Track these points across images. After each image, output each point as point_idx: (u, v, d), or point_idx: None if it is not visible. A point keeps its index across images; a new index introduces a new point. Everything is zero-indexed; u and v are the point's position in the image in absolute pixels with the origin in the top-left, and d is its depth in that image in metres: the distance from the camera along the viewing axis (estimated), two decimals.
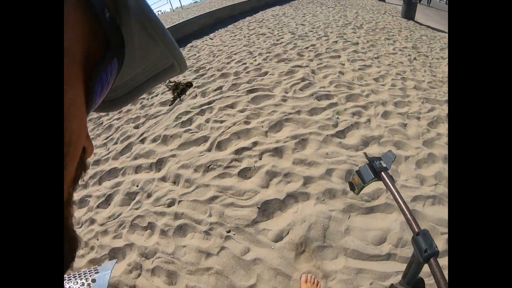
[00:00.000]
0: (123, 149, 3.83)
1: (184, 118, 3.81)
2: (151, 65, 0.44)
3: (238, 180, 2.69)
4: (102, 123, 5.13)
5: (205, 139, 3.32)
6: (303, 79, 4.29)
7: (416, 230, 0.72)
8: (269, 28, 8.69)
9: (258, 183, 2.60)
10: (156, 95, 5.02)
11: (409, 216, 0.77)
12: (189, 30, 10.30)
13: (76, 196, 3.68)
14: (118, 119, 4.84)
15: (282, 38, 7.15)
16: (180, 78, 5.41)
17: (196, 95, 4.40)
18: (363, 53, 5.68)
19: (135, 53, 0.38)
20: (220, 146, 3.17)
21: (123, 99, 0.45)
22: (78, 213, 3.38)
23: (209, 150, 3.16)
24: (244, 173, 2.74)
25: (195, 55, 7.23)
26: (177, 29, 9.95)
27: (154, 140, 3.63)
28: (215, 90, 4.39)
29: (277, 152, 2.88)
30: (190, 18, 11.02)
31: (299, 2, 15.30)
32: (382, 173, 0.90)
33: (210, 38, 9.05)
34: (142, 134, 3.90)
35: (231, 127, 3.34)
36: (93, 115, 6.00)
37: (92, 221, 3.12)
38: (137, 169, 3.35)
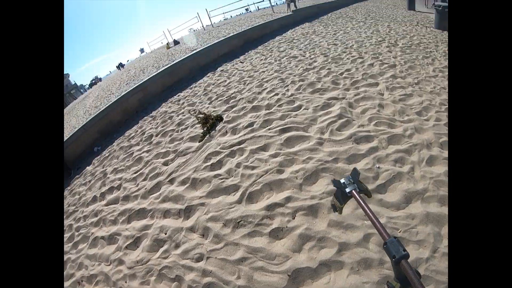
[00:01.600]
0: (152, 187, 3.90)
1: (214, 159, 3.84)
2: None
3: (269, 241, 2.64)
4: (132, 153, 5.26)
5: (235, 188, 3.33)
6: (340, 116, 4.11)
7: (386, 239, 0.84)
8: (300, 50, 8.65)
9: (290, 247, 2.54)
10: (186, 128, 5.11)
11: (378, 226, 0.90)
12: (220, 52, 10.51)
13: (106, 231, 3.76)
14: (148, 151, 4.96)
15: (314, 61, 7.06)
16: (210, 109, 5.47)
17: (226, 132, 4.44)
18: (402, 78, 5.39)
19: None
20: (251, 197, 3.15)
21: None
22: (108, 250, 3.49)
23: (239, 202, 3.14)
24: (276, 233, 2.70)
25: (225, 81, 7.35)
26: (208, 52, 10.19)
27: (183, 183, 3.68)
28: (246, 127, 4.40)
29: (312, 211, 2.80)
30: (220, 40, 11.28)
31: (328, 18, 15.23)
32: (353, 191, 1.08)
33: (241, 62, 9.18)
34: (171, 173, 3.96)
35: (263, 176, 3.31)
36: (124, 142, 6.19)
37: (120, 261, 3.22)
38: (166, 213, 3.40)
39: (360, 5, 22.99)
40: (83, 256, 3.72)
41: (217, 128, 4.66)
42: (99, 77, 71.10)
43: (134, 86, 8.32)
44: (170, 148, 4.66)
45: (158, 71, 9.01)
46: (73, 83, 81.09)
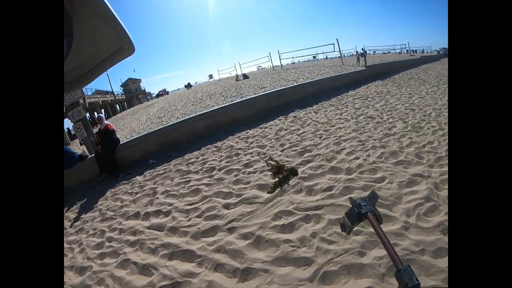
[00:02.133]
0: (206, 230, 3.48)
1: (285, 220, 3.34)
2: (103, 48, 0.63)
3: None
4: (189, 181, 4.93)
5: (308, 262, 2.76)
6: (427, 199, 3.50)
7: (399, 267, 0.80)
8: (377, 110, 8.19)
9: None
10: (254, 172, 4.69)
11: (392, 253, 0.86)
12: (292, 97, 10.30)
13: (141, 259, 3.35)
14: (208, 185, 4.59)
15: (394, 126, 6.52)
16: (282, 158, 5.04)
17: (301, 190, 3.94)
18: None
19: (85, 35, 0.53)
20: (325, 278, 2.58)
21: (77, 81, 0.70)
22: (138, 281, 3.09)
23: (311, 280, 2.58)
24: None
25: (298, 129, 6.96)
26: (281, 94, 10.00)
27: (245, 237, 3.19)
28: (325, 190, 3.87)
29: None
30: (294, 85, 11.14)
31: (400, 78, 14.98)
32: (368, 214, 1.02)
33: (315, 112, 8.80)
34: (232, 221, 3.52)
35: (342, 256, 2.73)
36: (182, 165, 5.89)
37: None
38: (218, 267, 2.91)
39: (429, 67, 22.61)
40: (107, 273, 3.37)
41: (291, 182, 4.18)
42: (166, 90, 75.10)
43: (204, 112, 8.26)
44: (234, 190, 4.25)
45: (231, 103, 8.97)
46: (142, 88, 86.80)
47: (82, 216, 5.62)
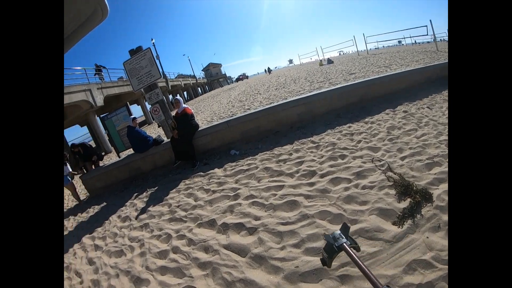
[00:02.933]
0: (307, 272, 2.43)
1: (422, 276, 2.12)
2: (78, 12, 0.96)
3: None
4: (282, 186, 3.95)
5: None
6: None
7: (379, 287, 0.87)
8: None
9: None
10: (371, 187, 3.47)
11: (370, 276, 0.91)
12: (398, 86, 8.45)
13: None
14: (308, 198, 3.54)
15: None
16: (405, 171, 3.73)
17: (439, 227, 2.64)
18: None
19: None
20: None
21: None
22: None
23: None
24: None
25: (415, 130, 5.18)
26: (384, 82, 8.25)
27: None
28: None
29: None
30: (398, 72, 9.17)
31: None
32: (344, 244, 1.08)
33: (428, 108, 6.76)
34: (345, 264, 2.42)
35: None
36: (271, 162, 4.91)
37: None
38: None
39: None
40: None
41: (424, 212, 2.87)
42: (246, 74, 76.10)
43: (297, 98, 7.05)
44: (345, 211, 3.09)
45: (328, 89, 7.55)
46: (223, 72, 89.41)
47: (149, 209, 5.01)
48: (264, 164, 4.89)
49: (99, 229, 5.40)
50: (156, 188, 5.93)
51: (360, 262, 0.96)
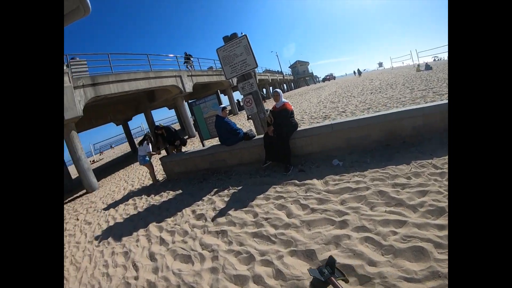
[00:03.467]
0: None
1: None
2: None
3: None
4: (404, 223, 2.89)
5: None
6: None
7: None
8: None
9: None
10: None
11: None
12: None
13: None
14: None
15: None
16: None
17: None
18: None
19: None
20: None
21: None
22: None
23: None
24: None
25: None
26: None
27: None
28: None
29: None
30: None
31: None
32: (332, 278, 1.11)
33: None
34: None
35: None
36: (386, 187, 3.79)
37: None
38: None
39: None
40: None
41: None
42: (333, 74, 74.33)
43: (414, 108, 5.66)
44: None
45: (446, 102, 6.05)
46: (310, 71, 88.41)
47: (230, 212, 4.32)
48: (377, 186, 3.74)
49: (169, 220, 4.99)
50: (240, 188, 5.23)
51: None
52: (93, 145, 46.60)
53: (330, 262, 1.16)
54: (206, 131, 8.12)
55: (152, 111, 25.12)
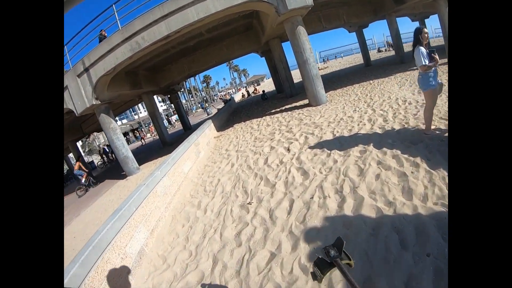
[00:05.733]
0: None
1: None
2: None
3: None
4: None
5: None
6: None
7: None
8: None
9: None
10: None
11: None
12: None
13: None
14: None
15: None
16: None
17: None
18: None
19: None
20: None
21: None
22: None
23: None
24: None
25: None
26: None
27: None
28: None
29: None
30: None
31: None
32: (337, 260, 1.06)
33: None
34: None
35: None
36: None
37: None
38: None
39: None
40: None
41: None
42: None
43: None
44: None
45: None
46: None
47: None
48: None
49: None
50: None
51: (353, 281, 0.95)
52: (319, 52, 40.57)
53: (338, 243, 1.10)
54: None
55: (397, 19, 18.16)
